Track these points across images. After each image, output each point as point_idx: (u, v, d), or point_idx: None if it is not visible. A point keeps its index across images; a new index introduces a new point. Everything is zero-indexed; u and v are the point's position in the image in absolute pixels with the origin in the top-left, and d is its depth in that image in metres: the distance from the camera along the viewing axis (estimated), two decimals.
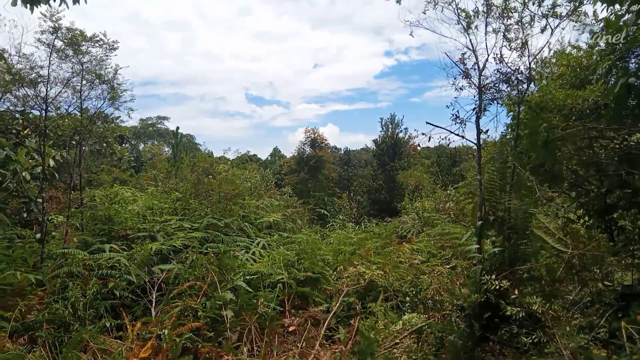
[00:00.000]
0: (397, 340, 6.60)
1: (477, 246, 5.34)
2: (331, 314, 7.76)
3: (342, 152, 36.69)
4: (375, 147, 29.29)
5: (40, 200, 9.68)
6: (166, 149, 41.66)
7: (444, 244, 11.35)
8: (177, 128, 38.28)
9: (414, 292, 8.32)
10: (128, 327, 6.46)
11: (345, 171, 30.84)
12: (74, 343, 6.22)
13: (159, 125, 51.43)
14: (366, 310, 8.38)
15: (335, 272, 9.65)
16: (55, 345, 6.51)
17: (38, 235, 9.53)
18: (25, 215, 12.63)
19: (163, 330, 6.16)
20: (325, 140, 32.15)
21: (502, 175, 5.44)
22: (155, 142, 46.50)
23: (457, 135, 5.68)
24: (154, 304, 7.54)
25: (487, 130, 5.81)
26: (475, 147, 5.91)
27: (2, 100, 12.24)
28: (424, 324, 6.72)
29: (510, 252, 5.17)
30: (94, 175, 19.02)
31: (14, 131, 12.39)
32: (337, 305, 8.13)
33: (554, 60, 6.79)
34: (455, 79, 5.90)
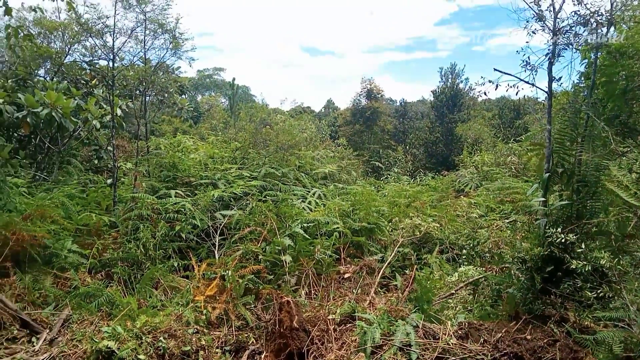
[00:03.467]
0: (453, 291, 6.65)
1: (543, 199, 5.17)
2: (386, 264, 7.88)
3: (398, 103, 35.85)
4: (433, 99, 28.37)
5: (110, 148, 10.25)
6: (223, 100, 42.40)
7: (503, 198, 11.08)
8: (234, 79, 38.74)
9: (470, 245, 8.26)
10: (195, 267, 6.87)
11: (401, 123, 30.24)
12: (147, 280, 6.73)
13: (216, 77, 52.19)
14: (421, 261, 8.45)
15: (390, 224, 9.71)
16: (129, 281, 7.08)
17: (109, 181, 10.17)
18: (96, 162, 13.44)
19: (227, 271, 6.50)
20: (382, 91, 31.44)
21: (573, 125, 5.16)
22: (212, 94, 47.34)
23: (527, 83, 5.38)
24: (217, 247, 7.95)
25: (560, 78, 5.47)
26: (544, 97, 5.61)
27: (71, 51, 12.81)
28: (480, 276, 6.70)
29: (578, 206, 4.97)
30: (156, 126, 19.79)
31: (83, 81, 13.01)
32: (392, 255, 8.23)
33: (636, 3, 6.20)
34: (527, 22, 5.53)
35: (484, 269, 7.11)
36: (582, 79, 6.15)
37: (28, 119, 9.79)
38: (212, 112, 25.90)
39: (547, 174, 5.20)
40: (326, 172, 12.76)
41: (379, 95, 31.11)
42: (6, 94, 9.93)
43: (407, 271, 7.84)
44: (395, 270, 8.14)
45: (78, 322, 5.65)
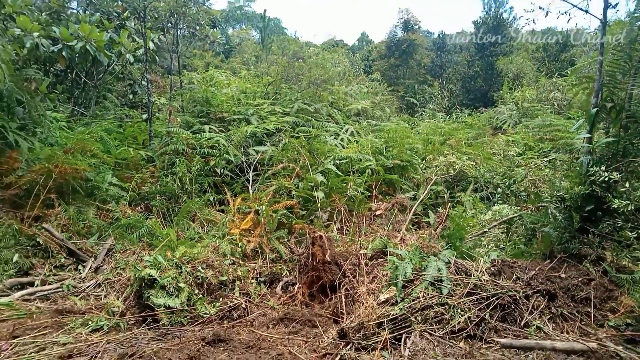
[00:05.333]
0: (486, 230, 6.60)
1: (588, 135, 4.92)
2: (418, 201, 7.85)
3: (436, 36, 34.11)
4: (474, 30, 26.84)
5: (144, 82, 10.27)
6: (254, 33, 41.45)
7: (543, 136, 10.69)
8: (265, 11, 37.65)
9: (506, 183, 8.10)
10: (229, 201, 7.02)
11: (438, 57, 28.94)
12: (184, 213, 6.94)
13: (246, 8, 50.75)
14: (454, 199, 8.37)
15: (423, 161, 9.57)
16: (167, 213, 7.32)
17: (145, 116, 10.29)
18: (131, 97, 13.57)
19: (260, 206, 6.63)
20: (419, 22, 29.97)
21: (627, 57, 4.77)
22: (244, 27, 46.27)
23: (580, 9, 4.96)
24: (250, 183, 8.07)
25: (616, 4, 5.01)
26: (596, 27, 5.19)
27: None
28: (515, 215, 6.61)
29: (625, 143, 4.71)
30: (188, 60, 19.65)
31: (115, 14, 12.84)
32: (425, 193, 8.17)
33: None
34: None
35: (518, 207, 7.00)
36: None
37: (63, 53, 9.85)
38: (244, 46, 25.45)
39: (595, 109, 4.91)
40: (359, 109, 12.52)
41: (416, 27, 29.70)
42: (41, 27, 9.94)
43: (439, 209, 7.79)
44: (427, 208, 8.11)
45: (121, 251, 5.95)
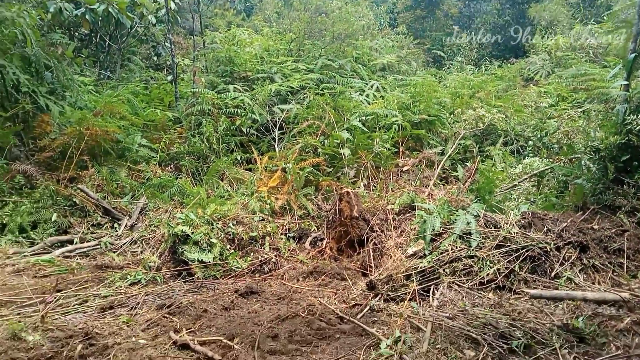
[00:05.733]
0: (516, 183, 6.49)
1: (625, 82, 4.71)
2: (446, 156, 7.74)
3: None
4: None
5: (168, 43, 10.25)
6: None
7: (577, 86, 10.25)
8: None
9: (537, 136, 7.88)
10: (257, 160, 7.08)
11: (466, 7, 27.71)
12: (213, 172, 7.05)
13: None
14: (483, 153, 8.21)
15: (451, 116, 9.35)
16: (196, 173, 7.45)
17: (169, 77, 10.32)
18: (155, 59, 13.60)
19: (287, 164, 6.66)
20: None
21: None
22: None
23: None
24: (276, 141, 8.08)
25: None
26: None
27: None
28: (546, 167, 6.46)
29: None
30: (209, 20, 19.41)
31: None
32: (453, 147, 8.04)
33: None
34: None
35: (550, 160, 6.83)
36: None
37: (87, 16, 9.87)
38: (265, 3, 24.91)
39: (633, 55, 4.67)
40: (384, 63, 12.20)
41: None
42: None
43: (468, 163, 7.67)
44: (455, 163, 7.99)
45: (154, 210, 6.12)
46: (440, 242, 4.36)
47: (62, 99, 7.35)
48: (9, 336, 2.98)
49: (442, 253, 4.26)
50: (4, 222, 5.48)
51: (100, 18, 10.11)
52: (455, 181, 7.19)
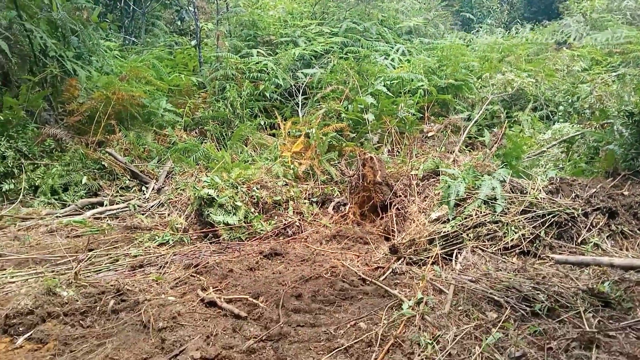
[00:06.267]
0: (544, 149, 6.35)
1: None
2: (473, 122, 7.59)
3: None
4: None
5: (191, 8, 10.17)
6: None
7: (612, 49, 9.83)
8: None
9: (569, 100, 7.64)
10: (280, 125, 7.08)
11: None
12: (237, 137, 7.09)
13: None
14: (511, 119, 8.01)
15: (479, 80, 9.10)
16: (221, 137, 7.51)
17: (193, 42, 10.28)
18: (179, 23, 13.54)
19: (311, 129, 6.64)
20: None
21: None
22: None
23: None
24: (300, 106, 8.04)
25: None
26: None
27: None
28: (577, 133, 6.28)
29: None
30: None
31: None
32: (480, 113, 7.86)
33: None
34: None
35: (581, 126, 6.63)
36: None
37: None
38: None
39: None
40: (411, 26, 11.85)
41: None
42: None
43: (495, 129, 7.50)
44: (482, 128, 7.83)
45: (180, 173, 6.23)
46: (465, 207, 4.33)
47: (88, 63, 7.43)
48: (44, 291, 3.12)
49: (466, 218, 4.23)
50: (37, 184, 5.67)
51: None
52: (482, 147, 7.07)
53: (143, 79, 7.56)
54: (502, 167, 4.89)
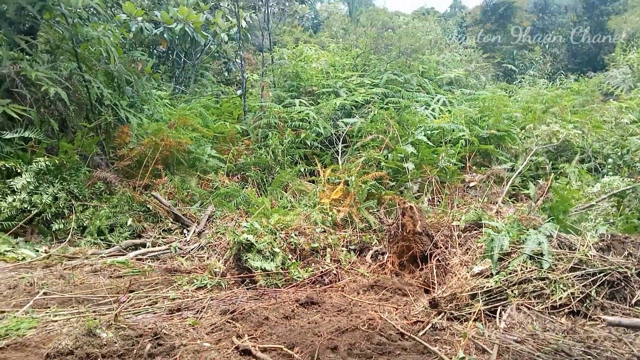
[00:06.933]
0: (593, 203, 6.09)
1: None
2: (516, 173, 7.42)
3: None
4: None
5: (238, 60, 10.69)
6: (341, 7, 41.05)
7: None
8: None
9: (618, 153, 7.38)
10: (320, 172, 7.16)
11: (540, 19, 26.66)
12: (277, 183, 7.21)
13: None
14: (557, 171, 7.80)
15: (522, 131, 8.97)
16: (261, 183, 7.66)
17: (239, 92, 10.74)
18: (226, 74, 14.22)
19: (350, 177, 6.67)
20: None
21: None
22: (332, 0, 45.95)
23: None
24: (340, 154, 8.14)
25: None
26: None
27: None
28: (628, 187, 6.02)
29: None
30: (277, 37, 20.04)
31: None
32: (524, 164, 7.69)
33: None
34: None
35: (632, 180, 6.36)
36: None
37: (165, 35, 10.53)
38: (331, 20, 25.33)
39: None
40: (452, 77, 11.96)
41: None
42: (144, 12, 10.68)
43: (540, 181, 7.31)
44: (526, 180, 7.64)
45: (220, 217, 6.35)
46: (509, 262, 4.16)
47: (140, 111, 7.86)
48: (85, 332, 3.17)
49: (510, 273, 4.06)
50: (85, 224, 5.90)
51: (177, 36, 10.75)
52: (526, 199, 6.87)
53: (190, 126, 7.90)
54: (549, 221, 4.71)
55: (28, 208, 5.56)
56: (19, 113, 5.93)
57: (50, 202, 5.73)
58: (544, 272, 3.98)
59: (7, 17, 6.47)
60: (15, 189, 5.55)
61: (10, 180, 5.63)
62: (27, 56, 6.47)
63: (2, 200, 5.45)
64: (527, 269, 4.07)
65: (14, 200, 5.46)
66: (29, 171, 5.72)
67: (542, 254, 4.11)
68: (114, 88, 7.55)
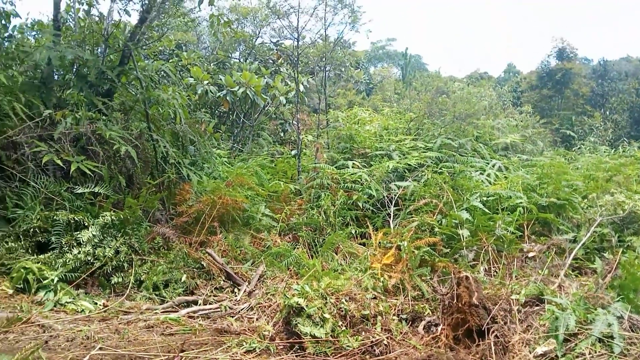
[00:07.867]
0: None
1: None
2: (579, 244, 7.03)
3: (596, 62, 30.96)
4: None
5: (295, 122, 11.09)
6: (395, 71, 42.20)
7: None
8: (407, 49, 38.22)
9: None
10: (371, 235, 7.10)
11: (599, 85, 26.10)
12: (328, 244, 7.19)
13: (388, 47, 52.08)
14: (623, 244, 7.32)
15: (585, 200, 8.59)
16: (313, 244, 7.67)
17: (294, 152, 11.05)
18: (282, 134, 14.73)
19: (402, 241, 6.56)
20: (576, 50, 27.67)
21: None
22: (385, 65, 47.41)
23: None
24: (392, 217, 8.07)
25: None
26: None
27: (261, 33, 14.06)
28: None
29: None
30: (332, 99, 20.74)
31: (270, 61, 14.22)
32: (587, 235, 7.30)
33: None
34: None
35: None
36: None
37: (227, 97, 11.16)
38: (385, 84, 26.00)
39: None
40: (507, 143, 11.82)
41: (572, 55, 27.41)
42: (209, 76, 11.43)
43: (605, 254, 6.87)
44: (590, 252, 7.22)
45: (271, 278, 6.36)
46: (576, 344, 3.88)
47: (200, 169, 8.23)
48: None
49: (577, 356, 3.78)
50: (142, 279, 6.07)
51: (238, 99, 11.36)
52: (591, 273, 6.46)
53: (246, 185, 8.14)
54: (618, 300, 4.39)
55: (91, 260, 5.80)
56: (91, 169, 6.36)
57: (112, 256, 5.97)
58: (615, 356, 3.67)
59: (89, 80, 7.10)
60: (81, 242, 5.83)
61: (78, 232, 5.94)
62: (103, 116, 7.00)
63: (68, 252, 5.72)
64: (596, 352, 3.78)
65: (79, 253, 5.72)
66: (96, 225, 6.03)
67: (612, 337, 3.81)
68: (178, 147, 7.99)
